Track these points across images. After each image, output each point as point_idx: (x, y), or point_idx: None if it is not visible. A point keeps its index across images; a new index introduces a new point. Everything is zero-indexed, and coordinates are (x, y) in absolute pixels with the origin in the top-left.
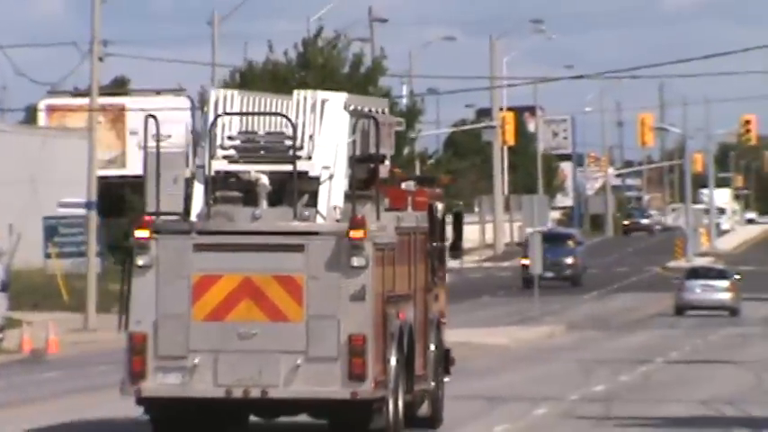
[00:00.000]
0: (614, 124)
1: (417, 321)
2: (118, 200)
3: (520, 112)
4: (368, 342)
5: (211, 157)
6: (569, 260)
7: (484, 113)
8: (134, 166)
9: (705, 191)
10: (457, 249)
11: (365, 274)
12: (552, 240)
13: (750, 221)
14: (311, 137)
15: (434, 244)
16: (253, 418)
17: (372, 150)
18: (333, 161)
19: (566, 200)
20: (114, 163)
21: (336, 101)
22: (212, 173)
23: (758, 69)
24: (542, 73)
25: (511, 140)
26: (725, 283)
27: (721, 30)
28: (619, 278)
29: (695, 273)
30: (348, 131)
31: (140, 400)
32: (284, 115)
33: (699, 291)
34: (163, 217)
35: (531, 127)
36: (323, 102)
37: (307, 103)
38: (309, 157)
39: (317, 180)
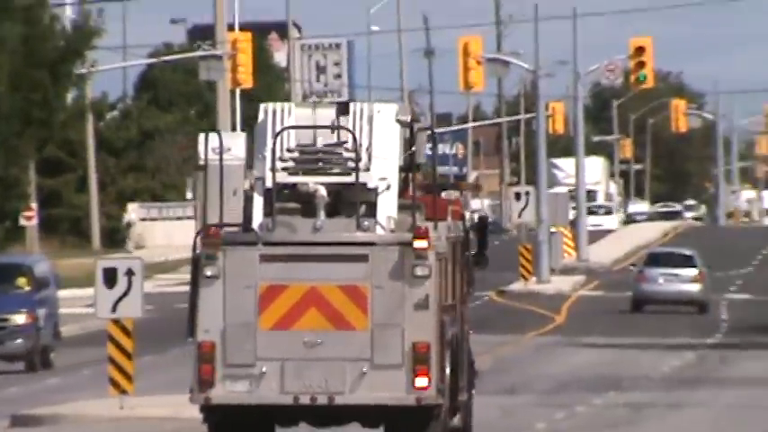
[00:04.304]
0: (419, 54)
1: (459, 332)
2: None
3: (261, 31)
4: (431, 349)
5: (272, 169)
6: None
7: (201, 34)
8: None
9: (562, 162)
10: (483, 259)
11: (428, 283)
12: None
13: (630, 219)
14: (368, 148)
15: (466, 254)
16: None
17: (419, 160)
18: (388, 172)
19: None
20: None
21: (388, 112)
22: (271, 185)
23: None
24: None
25: (247, 80)
26: (692, 272)
27: None
28: None
29: (656, 259)
30: (399, 142)
31: (208, 408)
32: (347, 128)
33: (661, 281)
34: (225, 228)
35: (279, 57)
36: (377, 112)
37: (363, 114)
38: (367, 169)
39: (374, 191)
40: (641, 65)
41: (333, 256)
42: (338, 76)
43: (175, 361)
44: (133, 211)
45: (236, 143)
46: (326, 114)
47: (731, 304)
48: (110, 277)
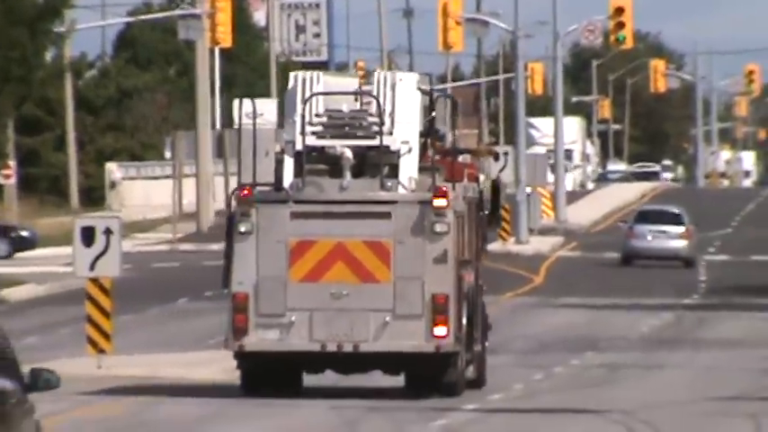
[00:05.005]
0: (399, 14)
1: (475, 285)
2: None
3: None
4: (449, 301)
5: (302, 132)
6: None
7: None
8: None
9: (538, 122)
10: (495, 219)
11: (447, 239)
12: None
13: (602, 177)
14: (391, 114)
15: (481, 214)
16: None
17: (441, 127)
18: (410, 136)
19: None
20: None
21: (410, 80)
22: (302, 147)
23: None
24: None
25: (226, 39)
26: (679, 229)
27: None
28: None
29: (645, 216)
30: (420, 109)
31: (241, 354)
32: (371, 94)
33: (650, 237)
34: (258, 187)
35: (259, 16)
36: (400, 80)
37: (387, 82)
38: (390, 133)
39: (396, 153)
40: (620, 25)
41: (358, 214)
42: (317, 35)
43: (154, 320)
44: (117, 171)
45: (269, 108)
46: (353, 82)
47: (709, 265)
48: (88, 236)
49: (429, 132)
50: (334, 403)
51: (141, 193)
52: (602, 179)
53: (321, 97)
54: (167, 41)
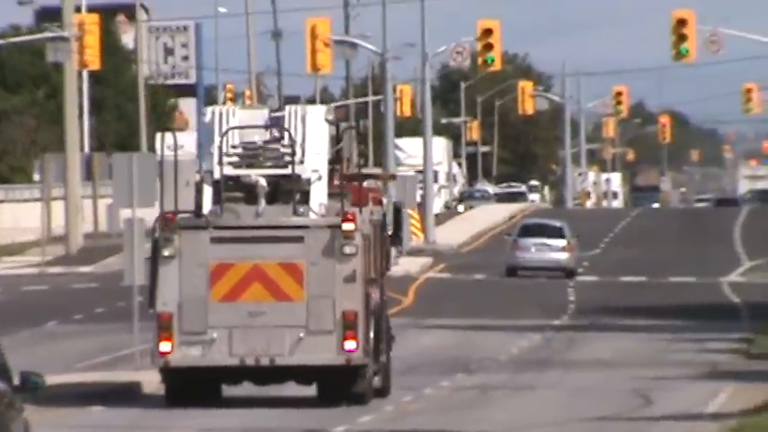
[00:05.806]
0: (267, 36)
1: (381, 302)
2: None
3: (109, 13)
4: (358, 317)
5: (219, 163)
6: None
7: (49, 16)
8: None
9: (403, 143)
10: (397, 239)
11: (355, 260)
12: None
13: (466, 196)
14: (301, 144)
15: (384, 234)
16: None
17: (348, 155)
18: (319, 165)
19: None
20: None
21: (318, 113)
22: (219, 177)
23: None
24: None
25: (95, 61)
26: (561, 242)
27: None
28: None
29: (528, 230)
30: (328, 139)
31: (166, 370)
32: (284, 128)
33: (533, 250)
34: (179, 215)
35: (127, 39)
36: (309, 113)
37: (297, 115)
38: (302, 162)
39: (307, 181)
40: (489, 47)
41: (273, 238)
42: (186, 58)
43: (23, 343)
44: None
45: (189, 141)
46: (264, 114)
47: (579, 286)
48: None
49: (336, 160)
50: (206, 425)
51: (9, 216)
52: (466, 198)
53: (236, 130)
54: (36, 64)
